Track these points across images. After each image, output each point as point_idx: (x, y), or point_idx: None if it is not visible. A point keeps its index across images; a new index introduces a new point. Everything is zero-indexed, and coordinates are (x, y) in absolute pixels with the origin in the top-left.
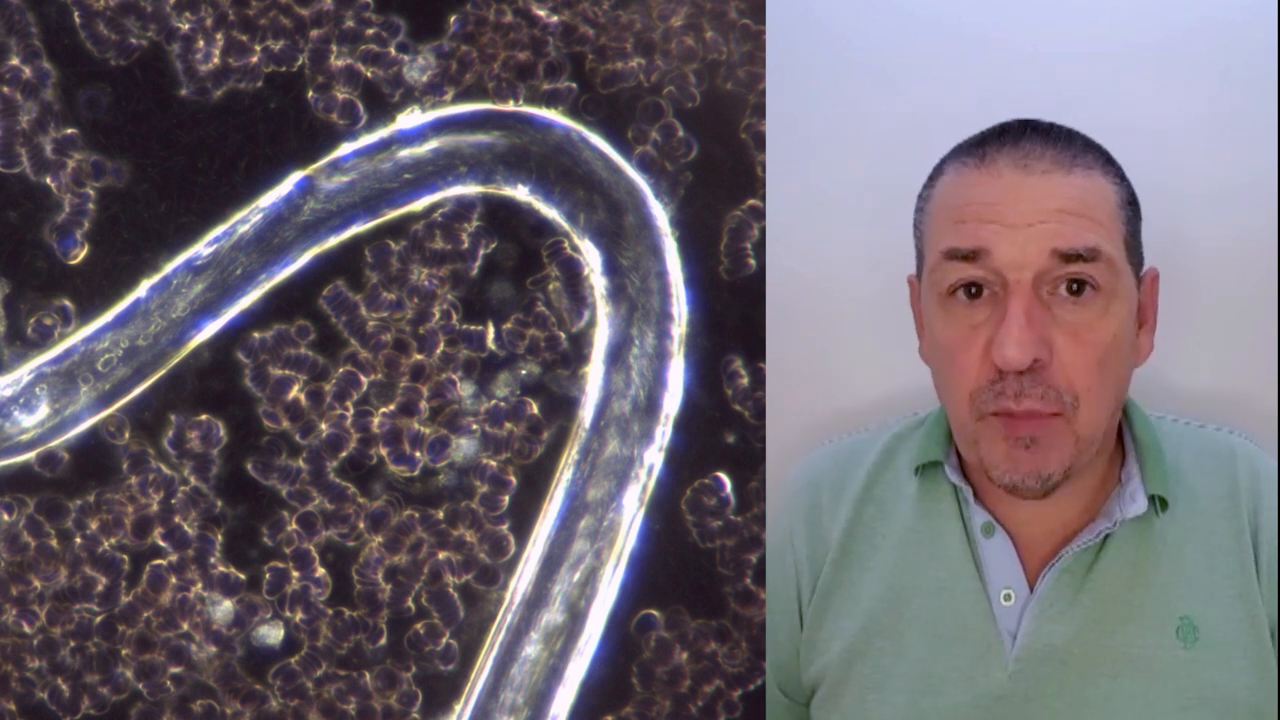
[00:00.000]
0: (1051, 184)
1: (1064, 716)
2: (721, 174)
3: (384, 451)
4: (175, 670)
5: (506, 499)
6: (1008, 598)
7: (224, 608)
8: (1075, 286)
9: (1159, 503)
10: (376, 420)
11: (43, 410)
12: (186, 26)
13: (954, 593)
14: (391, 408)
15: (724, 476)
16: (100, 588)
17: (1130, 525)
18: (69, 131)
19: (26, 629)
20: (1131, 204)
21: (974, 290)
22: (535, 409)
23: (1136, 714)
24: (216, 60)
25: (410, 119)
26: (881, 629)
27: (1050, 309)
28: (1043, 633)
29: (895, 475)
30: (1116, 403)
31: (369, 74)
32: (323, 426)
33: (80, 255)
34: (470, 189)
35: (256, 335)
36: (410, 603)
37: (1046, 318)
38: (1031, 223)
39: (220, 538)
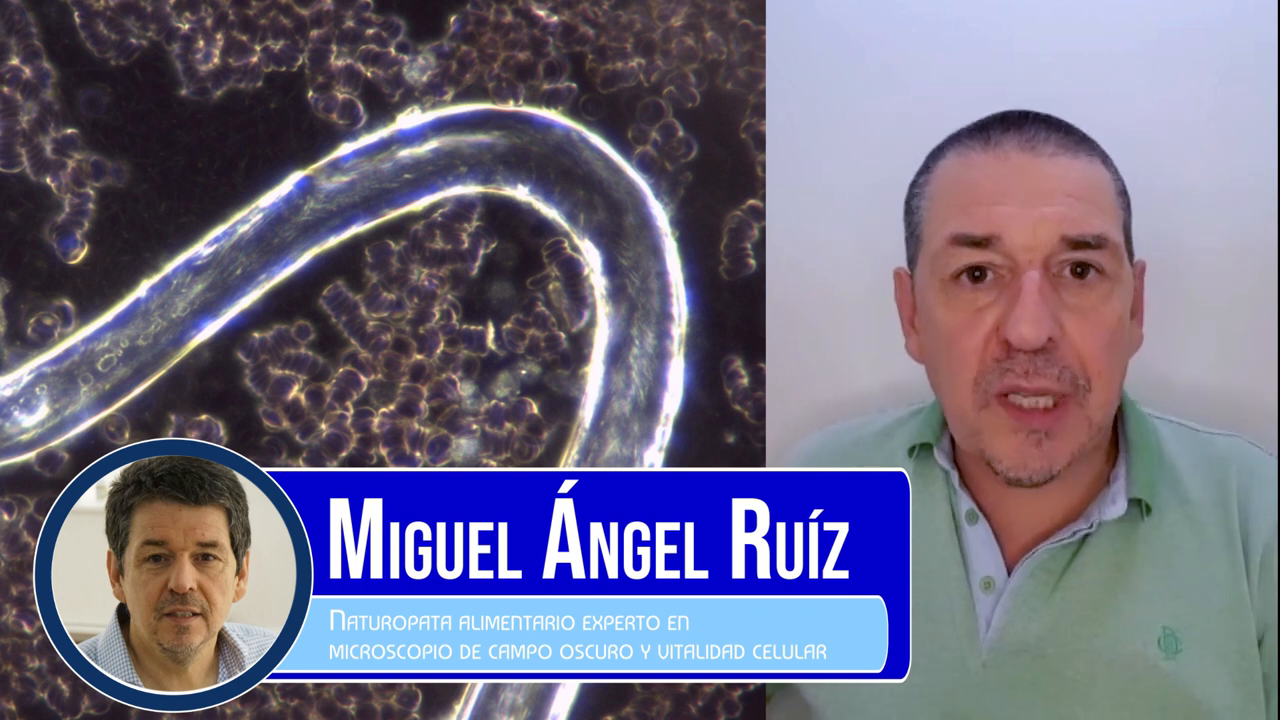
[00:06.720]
0: (1059, 166)
1: (1040, 710)
2: (721, 174)
3: (384, 451)
4: None
5: None
6: (986, 586)
7: None
8: (1080, 270)
9: (1144, 507)
10: (376, 420)
11: (43, 410)
12: (186, 26)
13: (942, 577)
14: (391, 408)
15: None
16: None
17: (1113, 527)
18: (69, 131)
19: (26, 629)
20: (1124, 194)
21: (977, 274)
22: (535, 409)
23: (1114, 716)
24: (216, 60)
25: (410, 119)
26: None
27: (1058, 291)
28: (1015, 626)
29: (889, 458)
30: (1120, 388)
31: (369, 74)
32: (323, 426)
33: (80, 255)
34: (470, 189)
35: (256, 335)
36: None
37: (1056, 299)
38: (1041, 204)
39: None
